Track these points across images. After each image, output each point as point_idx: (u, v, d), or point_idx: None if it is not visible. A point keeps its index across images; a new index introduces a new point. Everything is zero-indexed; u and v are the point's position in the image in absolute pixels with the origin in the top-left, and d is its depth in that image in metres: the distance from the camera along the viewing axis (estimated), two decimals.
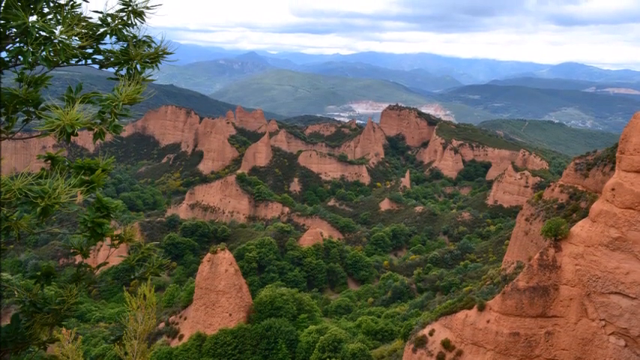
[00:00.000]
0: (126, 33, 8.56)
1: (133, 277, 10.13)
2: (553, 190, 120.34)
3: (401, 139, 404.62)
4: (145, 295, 11.68)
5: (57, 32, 7.58)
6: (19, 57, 7.59)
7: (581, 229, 53.73)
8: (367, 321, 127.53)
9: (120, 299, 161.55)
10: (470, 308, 64.72)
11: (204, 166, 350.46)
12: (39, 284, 9.07)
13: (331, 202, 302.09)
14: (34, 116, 7.96)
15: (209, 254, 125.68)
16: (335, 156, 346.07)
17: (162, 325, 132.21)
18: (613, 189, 50.22)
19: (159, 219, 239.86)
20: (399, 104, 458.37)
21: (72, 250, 8.97)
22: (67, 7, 8.12)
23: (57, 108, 7.46)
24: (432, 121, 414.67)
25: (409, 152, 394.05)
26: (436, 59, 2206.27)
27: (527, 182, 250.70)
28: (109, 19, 8.45)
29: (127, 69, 8.52)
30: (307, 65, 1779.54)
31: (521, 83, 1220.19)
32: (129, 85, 8.09)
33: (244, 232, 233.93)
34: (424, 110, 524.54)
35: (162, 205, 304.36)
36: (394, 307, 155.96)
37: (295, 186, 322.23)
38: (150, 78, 8.68)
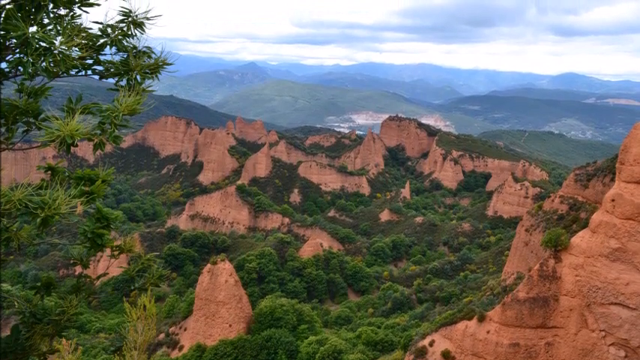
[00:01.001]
0: (126, 44, 8.58)
1: (133, 287, 10.12)
2: (553, 200, 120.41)
3: (401, 149, 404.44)
4: (144, 306, 11.65)
5: (57, 43, 7.59)
6: (19, 68, 7.59)
7: (581, 239, 53.71)
8: (367, 332, 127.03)
9: (120, 310, 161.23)
10: (470, 319, 64.61)
11: (204, 177, 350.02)
12: (39, 295, 9.05)
13: (331, 213, 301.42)
14: (34, 127, 7.96)
15: (209, 265, 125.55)
16: (335, 167, 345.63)
17: (162, 335, 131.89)
18: (613, 200, 50.23)
19: (159, 230, 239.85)
20: (399, 115, 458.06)
21: (72, 261, 8.96)
22: (67, 18, 8.14)
23: (57, 119, 7.47)
24: (432, 131, 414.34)
25: (409, 163, 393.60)
26: (436, 70, 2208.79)
27: (527, 193, 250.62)
28: (109, 30, 8.47)
29: (127, 80, 8.52)
30: (307, 76, 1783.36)
31: (521, 94, 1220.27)
32: (129, 96, 8.10)
33: (244, 242, 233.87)
34: (424, 121, 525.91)
35: (162, 215, 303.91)
36: (394, 317, 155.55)
37: (295, 197, 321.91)
38: (150, 89, 8.68)
